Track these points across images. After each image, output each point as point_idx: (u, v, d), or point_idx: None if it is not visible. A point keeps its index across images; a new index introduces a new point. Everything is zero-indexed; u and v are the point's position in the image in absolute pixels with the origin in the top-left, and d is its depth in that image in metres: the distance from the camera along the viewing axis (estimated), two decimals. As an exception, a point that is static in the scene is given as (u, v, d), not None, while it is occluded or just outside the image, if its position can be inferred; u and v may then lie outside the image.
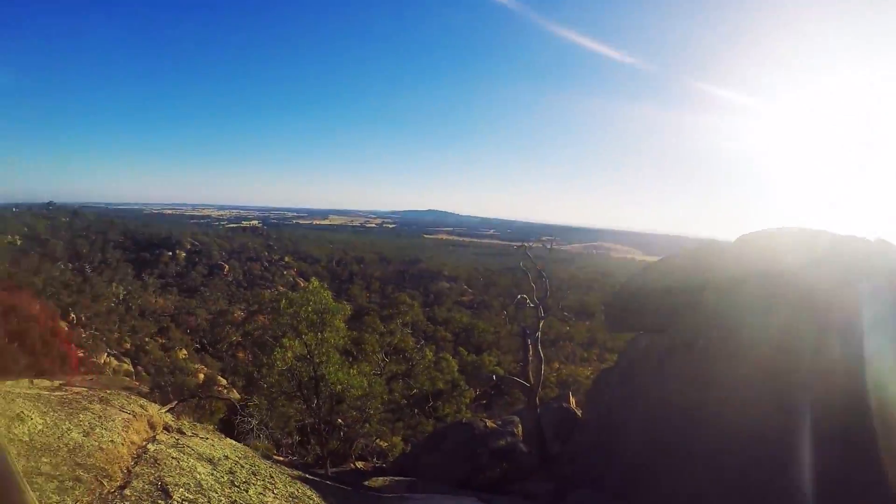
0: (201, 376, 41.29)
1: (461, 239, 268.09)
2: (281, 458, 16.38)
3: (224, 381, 38.89)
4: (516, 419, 18.38)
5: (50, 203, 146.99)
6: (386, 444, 22.41)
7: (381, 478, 16.01)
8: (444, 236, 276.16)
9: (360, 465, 19.65)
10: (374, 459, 21.02)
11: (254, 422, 18.01)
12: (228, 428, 18.41)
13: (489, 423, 18.10)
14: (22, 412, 5.33)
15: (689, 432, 9.87)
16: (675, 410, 10.58)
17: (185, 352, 57.95)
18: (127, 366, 51.01)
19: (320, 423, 17.57)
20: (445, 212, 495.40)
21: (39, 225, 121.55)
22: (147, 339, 61.83)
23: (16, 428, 5.02)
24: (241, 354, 45.56)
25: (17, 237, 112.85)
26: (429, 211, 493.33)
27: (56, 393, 6.55)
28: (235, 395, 30.75)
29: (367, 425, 20.36)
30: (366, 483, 14.76)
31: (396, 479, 15.91)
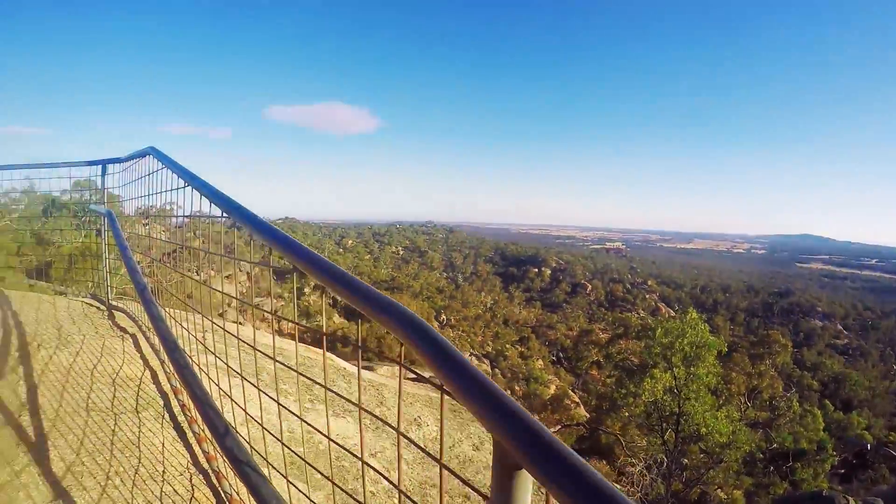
0: (553, 388, 42.35)
1: (838, 270, 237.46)
2: (622, 489, 16.24)
3: (575, 397, 39.59)
4: (879, 503, 16.02)
5: (429, 222, 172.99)
6: (725, 496, 21.07)
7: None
8: (819, 265, 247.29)
9: (693, 513, 18.68)
10: (707, 510, 19.84)
11: (639, 465, 18.17)
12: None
13: (852, 502, 16.06)
14: (420, 416, 5.51)
15: None
16: None
17: (541, 363, 59.69)
18: (486, 367, 54.99)
19: (671, 461, 17.27)
20: (820, 236, 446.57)
21: (419, 239, 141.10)
22: (507, 346, 65.44)
23: (413, 433, 5.12)
24: (594, 372, 46.02)
25: (400, 248, 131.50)
26: (802, 235, 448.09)
27: (420, 391, 6.76)
28: (583, 412, 31.34)
29: (714, 473, 19.41)
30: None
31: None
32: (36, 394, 3.44)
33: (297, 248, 1.75)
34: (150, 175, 3.78)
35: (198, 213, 2.76)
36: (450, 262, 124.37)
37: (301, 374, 1.95)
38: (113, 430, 3.10)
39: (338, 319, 46.07)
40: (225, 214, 2.28)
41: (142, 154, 4.15)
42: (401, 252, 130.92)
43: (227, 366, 2.48)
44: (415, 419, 5.43)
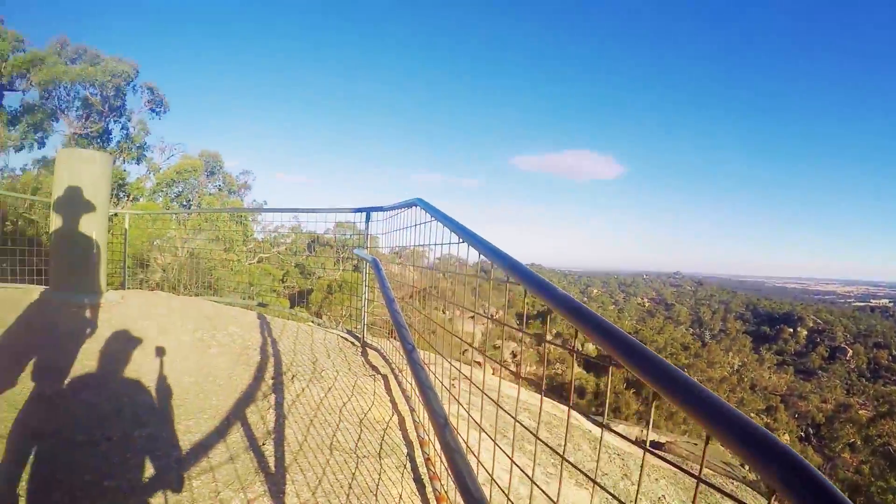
0: (790, 468, 38.49)
1: None
2: None
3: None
4: None
5: (677, 272, 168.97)
6: None
7: None
8: None
9: None
10: None
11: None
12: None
13: None
14: (664, 495, 4.83)
15: None
16: None
17: (787, 437, 54.99)
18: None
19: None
20: None
21: (666, 291, 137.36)
22: (752, 415, 60.92)
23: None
24: (846, 455, 41.51)
25: (646, 300, 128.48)
26: None
27: (664, 464, 6.03)
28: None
29: None
30: None
31: None
32: (283, 424, 3.55)
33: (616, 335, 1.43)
34: (417, 226, 3.86)
35: (481, 272, 2.73)
36: (697, 316, 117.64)
37: (519, 424, 1.76)
38: (353, 473, 3.06)
39: (576, 369, 45.12)
40: (512, 277, 2.16)
41: (408, 204, 4.29)
42: (646, 303, 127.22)
43: (476, 422, 2.56)
44: (659, 498, 4.78)
